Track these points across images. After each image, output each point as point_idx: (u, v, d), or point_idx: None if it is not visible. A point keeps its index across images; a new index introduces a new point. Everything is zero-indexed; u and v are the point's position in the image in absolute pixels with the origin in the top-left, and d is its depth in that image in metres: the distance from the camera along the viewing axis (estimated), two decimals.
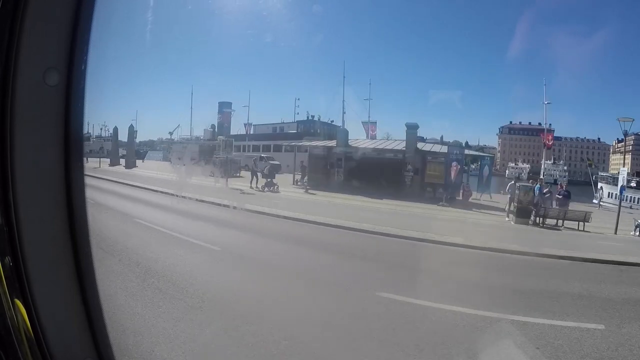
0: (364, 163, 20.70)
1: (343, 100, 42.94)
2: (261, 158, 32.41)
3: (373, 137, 38.38)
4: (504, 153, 79.08)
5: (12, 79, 1.13)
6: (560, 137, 65.62)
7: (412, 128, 21.20)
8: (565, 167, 65.58)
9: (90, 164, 28.39)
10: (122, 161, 35.43)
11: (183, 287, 4.78)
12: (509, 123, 78.69)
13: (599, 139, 75.84)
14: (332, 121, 48.93)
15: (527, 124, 77.38)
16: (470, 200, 19.54)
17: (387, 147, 22.49)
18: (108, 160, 35.48)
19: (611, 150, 72.89)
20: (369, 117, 41.78)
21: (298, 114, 52.44)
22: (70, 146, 1.30)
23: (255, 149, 43.69)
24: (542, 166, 47.72)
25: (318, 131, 46.16)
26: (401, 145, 21.48)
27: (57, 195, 1.30)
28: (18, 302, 1.18)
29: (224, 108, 60.41)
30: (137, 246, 6.87)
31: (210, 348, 3.48)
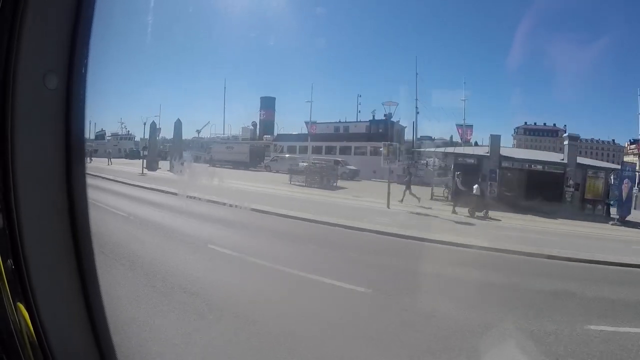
0: (519, 176, 18.84)
1: (416, 99, 39.06)
2: (336, 162, 29.68)
3: (468, 142, 35.31)
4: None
5: (12, 82, 1.13)
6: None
7: (496, 139, 19.89)
8: None
9: (119, 167, 26.53)
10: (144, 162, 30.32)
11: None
12: (524, 124, 77.02)
13: (613, 140, 74.65)
14: (399, 121, 43.66)
15: (542, 124, 77.04)
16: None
17: (548, 159, 20.40)
18: (125, 160, 33.31)
19: (624, 152, 71.46)
20: (464, 119, 37.57)
21: (360, 112, 46.70)
22: (71, 149, 1.30)
23: (316, 150, 38.69)
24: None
25: (390, 133, 39.66)
26: (559, 158, 19.84)
27: (59, 198, 1.30)
28: (20, 306, 1.18)
29: (268, 104, 54.75)
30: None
31: (215, 351, 3.46)
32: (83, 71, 1.31)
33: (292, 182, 21.70)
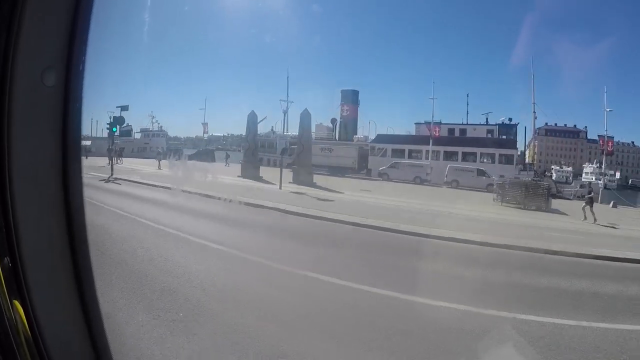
0: None
1: (534, 103, 35.43)
2: (480, 171, 26.63)
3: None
4: (541, 155, 76.37)
5: (9, 79, 1.13)
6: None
7: None
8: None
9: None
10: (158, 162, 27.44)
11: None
12: (544, 124, 76.28)
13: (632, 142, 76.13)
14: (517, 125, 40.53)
15: (563, 125, 77.55)
16: None
17: None
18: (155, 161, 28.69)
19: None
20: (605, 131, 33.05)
21: (468, 112, 44.26)
22: (68, 146, 1.30)
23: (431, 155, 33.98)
24: (584, 170, 44.58)
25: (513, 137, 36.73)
26: None
27: (55, 196, 1.29)
28: (17, 303, 1.17)
29: (351, 98, 46.91)
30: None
31: (208, 351, 3.45)
32: (81, 68, 1.30)
33: (502, 202, 17.16)
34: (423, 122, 39.34)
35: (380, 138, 38.59)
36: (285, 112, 52.51)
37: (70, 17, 1.26)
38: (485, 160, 32.01)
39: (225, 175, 21.68)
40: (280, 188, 16.68)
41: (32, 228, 1.24)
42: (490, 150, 32.47)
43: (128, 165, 26.87)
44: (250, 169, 22.77)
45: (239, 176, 21.85)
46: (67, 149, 1.30)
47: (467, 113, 44.69)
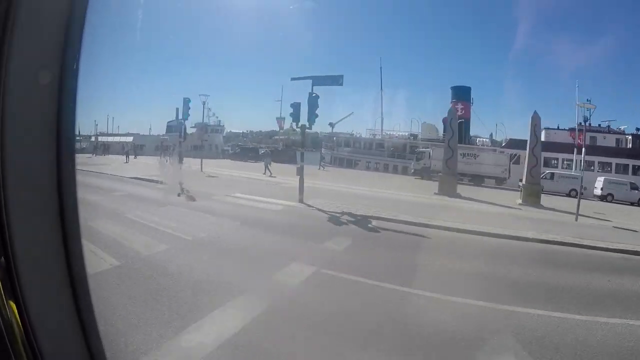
0: None
1: None
2: (632, 185, 24.41)
3: None
4: None
5: (3, 77, 1.12)
6: None
7: None
8: None
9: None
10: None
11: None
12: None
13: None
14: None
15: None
16: None
17: None
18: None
19: None
20: None
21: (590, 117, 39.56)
22: (62, 145, 1.29)
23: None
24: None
25: None
26: None
27: (49, 195, 1.29)
28: (11, 303, 1.17)
29: (464, 95, 41.55)
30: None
31: (204, 350, 3.42)
32: (75, 67, 1.30)
33: None
34: (557, 127, 36.13)
35: (514, 143, 33.16)
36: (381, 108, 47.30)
37: (65, 15, 1.26)
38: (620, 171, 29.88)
39: (403, 192, 18.11)
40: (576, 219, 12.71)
41: (26, 228, 1.23)
42: None
43: (196, 167, 22.57)
44: (448, 183, 18.26)
45: (435, 193, 17.80)
46: (61, 148, 1.29)
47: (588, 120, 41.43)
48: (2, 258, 1.16)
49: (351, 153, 41.96)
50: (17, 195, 1.19)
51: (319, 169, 28.46)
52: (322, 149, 42.13)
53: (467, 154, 30.63)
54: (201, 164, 22.70)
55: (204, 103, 42.52)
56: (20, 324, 1.18)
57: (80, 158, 24.13)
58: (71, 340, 1.41)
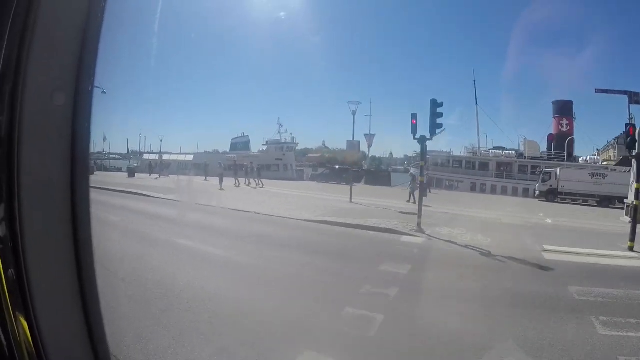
0: None
1: None
2: None
3: None
4: None
5: (20, 98, 1.19)
6: None
7: None
8: None
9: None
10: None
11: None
12: (622, 133, 63.89)
13: None
14: None
15: None
16: None
17: None
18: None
19: None
20: None
21: None
22: (77, 163, 1.35)
23: None
24: None
25: None
26: None
27: (62, 211, 1.33)
28: (20, 317, 1.19)
29: (566, 110, 38.18)
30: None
31: None
32: (90, 89, 1.37)
33: None
34: None
35: (627, 161, 29.78)
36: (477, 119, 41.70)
37: (80, 39, 1.33)
38: None
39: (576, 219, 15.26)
40: None
41: (38, 241, 1.26)
42: None
43: (284, 190, 21.15)
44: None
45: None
46: (76, 166, 1.35)
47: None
48: (12, 270, 1.19)
49: (449, 173, 37.97)
50: (31, 209, 1.24)
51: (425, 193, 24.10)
52: (411, 168, 39.41)
53: (596, 173, 27.30)
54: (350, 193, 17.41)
55: (278, 123, 41.40)
56: (30, 338, 1.20)
57: (142, 179, 24.48)
58: (81, 356, 1.41)
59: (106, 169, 37.94)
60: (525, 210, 17.58)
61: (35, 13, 1.21)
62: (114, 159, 52.85)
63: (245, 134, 44.30)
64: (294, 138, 43.73)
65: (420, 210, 10.99)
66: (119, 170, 40.21)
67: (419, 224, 10.63)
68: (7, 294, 1.16)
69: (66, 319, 1.38)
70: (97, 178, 22.13)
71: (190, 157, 41.99)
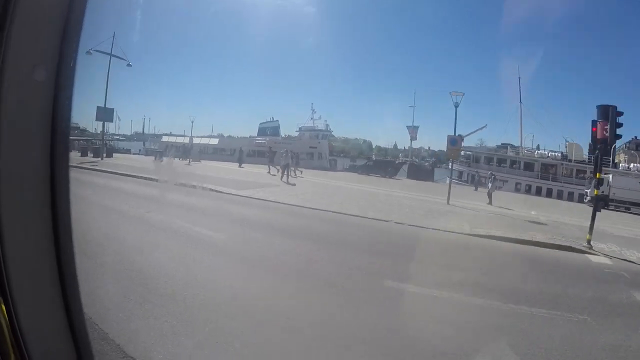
0: None
1: None
2: None
3: None
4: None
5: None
6: None
7: None
8: None
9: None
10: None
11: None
12: (633, 138, 59.10)
13: None
14: None
15: None
16: None
17: None
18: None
19: None
20: None
21: None
22: (56, 143, 1.30)
23: None
24: None
25: None
26: None
27: (41, 194, 1.28)
28: (2, 306, 1.17)
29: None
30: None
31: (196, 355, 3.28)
32: (72, 64, 1.32)
33: None
34: None
35: None
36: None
37: (64, 13, 1.26)
38: None
39: None
40: None
41: (17, 226, 1.22)
42: None
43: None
44: None
45: None
46: (55, 146, 1.29)
47: None
48: None
49: (493, 171, 36.60)
50: (8, 193, 1.19)
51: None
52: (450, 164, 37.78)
53: None
54: None
55: (311, 109, 38.87)
56: (9, 324, 1.17)
57: (177, 165, 23.54)
58: (60, 342, 1.39)
59: (116, 152, 33.79)
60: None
61: None
62: (119, 139, 50.86)
63: (274, 119, 41.36)
64: (327, 125, 40.65)
65: (592, 224, 9.50)
66: (128, 152, 38.59)
67: (588, 240, 9.39)
68: None
69: (45, 305, 1.35)
70: (122, 162, 21.31)
71: (213, 141, 40.52)
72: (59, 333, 1.39)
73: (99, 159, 24.72)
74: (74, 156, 25.49)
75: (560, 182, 33.68)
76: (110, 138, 44.86)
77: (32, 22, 1.21)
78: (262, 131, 40.51)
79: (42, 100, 1.27)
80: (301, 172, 22.56)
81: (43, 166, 1.30)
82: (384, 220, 10.35)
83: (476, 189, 25.41)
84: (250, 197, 12.41)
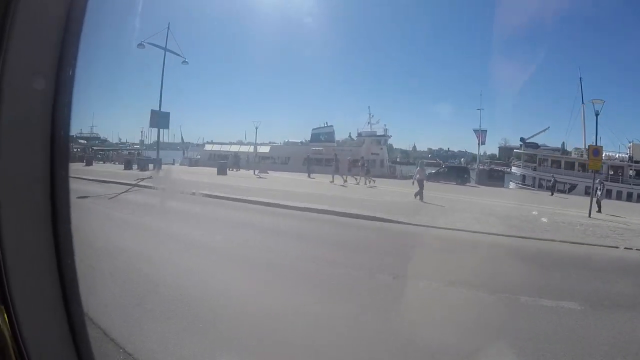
0: None
1: None
2: None
3: None
4: None
5: None
6: None
7: None
8: None
9: None
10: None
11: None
12: None
13: None
14: None
15: None
16: None
17: None
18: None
19: None
20: None
21: None
22: (56, 150, 1.31)
23: None
24: None
25: None
26: None
27: (41, 200, 1.30)
28: (1, 307, 1.18)
29: None
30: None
31: None
32: (71, 73, 1.31)
33: None
34: None
35: None
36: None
37: (62, 22, 1.27)
38: None
39: None
40: None
41: (17, 231, 1.23)
42: None
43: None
44: None
45: None
46: (55, 153, 1.31)
47: None
48: None
49: (563, 175, 34.09)
50: (8, 199, 1.22)
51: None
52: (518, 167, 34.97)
53: None
54: None
55: (369, 113, 36.43)
56: (10, 330, 1.18)
57: (249, 178, 19.87)
58: (60, 348, 1.40)
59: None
60: None
61: None
62: (134, 149, 46.87)
63: (327, 123, 39.13)
64: (386, 130, 37.62)
65: None
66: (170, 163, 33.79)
67: None
68: None
69: (46, 310, 1.36)
70: (187, 177, 19.03)
71: (263, 149, 37.83)
72: (60, 338, 1.40)
73: (147, 171, 22.10)
74: (115, 169, 23.97)
75: (630, 183, 33.01)
76: (131, 148, 44.02)
77: (30, 31, 1.22)
78: (315, 137, 38.72)
79: (41, 107, 1.28)
80: (374, 181, 21.31)
81: (43, 171, 1.31)
82: (578, 243, 8.93)
83: (552, 194, 24.41)
84: (429, 226, 9.92)
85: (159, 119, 23.06)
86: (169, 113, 23.47)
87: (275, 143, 41.38)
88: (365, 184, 20.66)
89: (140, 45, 20.24)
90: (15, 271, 1.21)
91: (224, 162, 26.66)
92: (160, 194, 14.16)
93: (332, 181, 20.70)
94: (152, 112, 22.54)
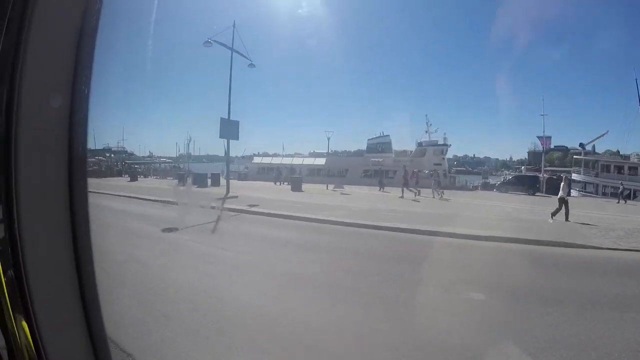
0: None
1: None
2: None
3: None
4: None
5: (17, 100, 1.19)
6: None
7: None
8: None
9: None
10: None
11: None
12: None
13: None
14: None
15: None
16: None
17: None
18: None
19: None
20: None
21: None
22: (74, 166, 1.35)
23: None
24: None
25: None
26: None
27: (60, 213, 1.34)
28: (21, 320, 1.20)
29: None
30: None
31: None
32: (86, 91, 1.36)
33: None
34: None
35: None
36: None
37: (76, 41, 1.31)
38: None
39: None
40: None
41: (37, 243, 1.27)
42: None
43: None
44: None
45: None
46: (73, 168, 1.35)
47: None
48: (11, 271, 1.20)
49: (627, 182, 31.65)
50: (29, 210, 1.24)
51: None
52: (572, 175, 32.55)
53: None
54: None
55: (427, 121, 34.31)
56: (30, 340, 1.21)
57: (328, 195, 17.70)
58: (81, 358, 1.43)
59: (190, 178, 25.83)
60: None
61: (31, 14, 1.20)
62: (165, 162, 49.00)
63: (384, 133, 37.24)
64: (446, 138, 34.95)
65: None
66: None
67: None
68: (6, 296, 1.18)
69: (67, 320, 1.38)
70: (258, 194, 17.24)
71: (317, 161, 36.11)
72: (81, 349, 1.42)
73: (222, 189, 19.45)
74: (164, 184, 22.27)
75: None
76: (156, 160, 44.23)
77: (46, 51, 1.27)
78: (371, 147, 37.03)
79: (58, 125, 1.33)
80: (444, 193, 19.94)
81: (62, 186, 1.35)
82: None
83: (619, 202, 23.28)
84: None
85: (229, 128, 19.26)
86: (239, 122, 19.84)
87: (320, 153, 39.27)
88: (434, 196, 18.85)
89: (207, 42, 18.38)
90: (37, 282, 1.24)
91: (299, 177, 24.15)
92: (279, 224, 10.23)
93: (402, 196, 18.41)
94: (222, 120, 18.83)
